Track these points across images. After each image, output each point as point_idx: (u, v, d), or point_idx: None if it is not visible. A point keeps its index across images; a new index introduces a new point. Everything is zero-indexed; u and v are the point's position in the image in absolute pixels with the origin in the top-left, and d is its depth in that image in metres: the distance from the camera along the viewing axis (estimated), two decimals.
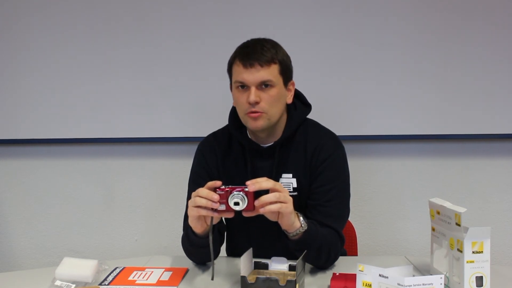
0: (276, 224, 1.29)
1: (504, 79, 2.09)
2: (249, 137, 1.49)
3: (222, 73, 2.17)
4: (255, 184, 1.18)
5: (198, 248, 1.35)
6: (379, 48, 2.12)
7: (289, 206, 1.22)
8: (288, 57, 1.43)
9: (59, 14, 2.23)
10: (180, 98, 2.22)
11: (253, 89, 1.35)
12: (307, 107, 1.52)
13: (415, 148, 2.21)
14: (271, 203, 1.19)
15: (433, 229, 1.30)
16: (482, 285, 1.14)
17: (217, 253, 1.45)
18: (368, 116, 2.15)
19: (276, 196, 1.19)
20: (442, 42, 2.09)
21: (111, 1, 2.20)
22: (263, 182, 1.19)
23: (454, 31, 2.09)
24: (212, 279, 1.26)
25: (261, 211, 1.20)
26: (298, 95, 1.52)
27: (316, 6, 2.13)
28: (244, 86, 1.37)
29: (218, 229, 1.45)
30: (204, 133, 2.29)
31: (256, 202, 1.19)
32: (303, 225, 1.28)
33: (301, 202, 1.44)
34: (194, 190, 1.22)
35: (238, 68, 1.38)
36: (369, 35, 2.12)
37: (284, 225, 1.27)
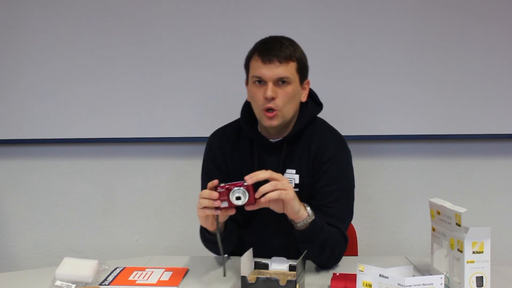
0: (278, 222, 1.32)
1: (504, 79, 2.09)
2: (260, 131, 1.51)
3: (223, 73, 2.18)
4: (252, 177, 1.21)
5: (213, 244, 1.39)
6: (379, 48, 2.11)
7: (289, 192, 1.24)
8: (305, 55, 1.46)
9: (59, 13, 2.23)
10: (180, 98, 2.21)
11: (270, 84, 1.37)
12: (318, 106, 1.54)
13: (415, 148, 2.21)
14: (270, 192, 1.21)
15: (433, 229, 1.30)
16: (482, 285, 1.14)
17: (233, 245, 1.48)
18: (368, 117, 2.15)
19: (273, 184, 1.22)
20: (441, 42, 2.09)
21: None
22: (260, 174, 1.23)
23: (454, 32, 2.09)
24: (224, 275, 1.31)
25: (262, 200, 1.22)
26: (310, 94, 1.54)
27: (320, 6, 2.12)
28: (261, 82, 1.40)
29: (235, 220, 1.48)
30: (204, 133, 2.28)
31: (256, 195, 1.22)
32: (310, 215, 1.30)
33: (302, 199, 1.44)
34: (205, 184, 1.27)
35: (256, 63, 1.40)
36: (370, 36, 2.11)
37: (290, 213, 1.29)
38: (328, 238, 1.34)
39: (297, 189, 1.45)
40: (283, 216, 1.32)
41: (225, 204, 1.22)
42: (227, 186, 1.22)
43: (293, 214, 1.28)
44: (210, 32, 2.17)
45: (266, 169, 1.30)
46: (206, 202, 1.23)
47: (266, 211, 1.36)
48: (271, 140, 1.49)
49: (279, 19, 2.12)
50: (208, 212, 1.24)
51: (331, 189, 1.43)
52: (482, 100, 2.10)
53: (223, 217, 1.29)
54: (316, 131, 1.50)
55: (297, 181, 1.47)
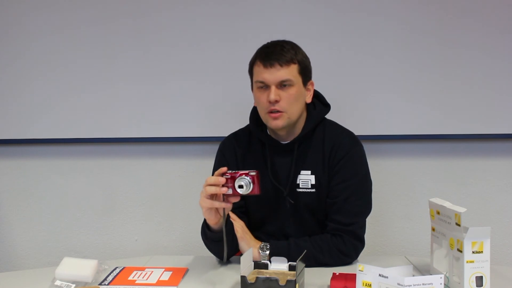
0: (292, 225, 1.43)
1: (504, 79, 2.09)
2: (269, 134, 1.54)
3: (225, 73, 2.18)
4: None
5: (214, 242, 1.39)
6: (379, 48, 2.11)
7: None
8: (307, 58, 1.49)
9: (61, 13, 2.23)
10: (180, 98, 2.21)
11: (273, 88, 1.40)
12: (326, 107, 1.57)
13: (415, 148, 2.20)
14: None
15: (433, 229, 1.30)
16: (482, 285, 1.14)
17: (236, 248, 1.46)
18: (368, 116, 2.15)
19: None
20: (442, 42, 2.09)
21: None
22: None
23: (454, 32, 2.08)
24: (224, 260, 1.37)
25: None
26: (317, 96, 1.57)
27: (324, 8, 2.12)
28: (264, 86, 1.43)
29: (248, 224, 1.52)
30: (204, 133, 2.29)
31: None
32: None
33: (320, 199, 1.48)
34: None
35: (258, 69, 1.43)
36: (371, 36, 2.11)
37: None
38: (314, 252, 1.39)
39: (313, 190, 1.48)
40: (298, 219, 1.37)
41: (229, 191, 1.24)
42: (233, 173, 1.23)
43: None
44: (212, 31, 2.17)
45: (280, 171, 1.37)
46: (213, 189, 1.23)
47: (280, 215, 1.41)
48: (281, 142, 1.51)
49: (283, 21, 2.12)
50: (217, 204, 1.25)
51: (343, 186, 1.46)
52: (482, 100, 2.10)
53: (228, 209, 1.30)
54: (327, 131, 1.53)
55: (313, 182, 1.49)
